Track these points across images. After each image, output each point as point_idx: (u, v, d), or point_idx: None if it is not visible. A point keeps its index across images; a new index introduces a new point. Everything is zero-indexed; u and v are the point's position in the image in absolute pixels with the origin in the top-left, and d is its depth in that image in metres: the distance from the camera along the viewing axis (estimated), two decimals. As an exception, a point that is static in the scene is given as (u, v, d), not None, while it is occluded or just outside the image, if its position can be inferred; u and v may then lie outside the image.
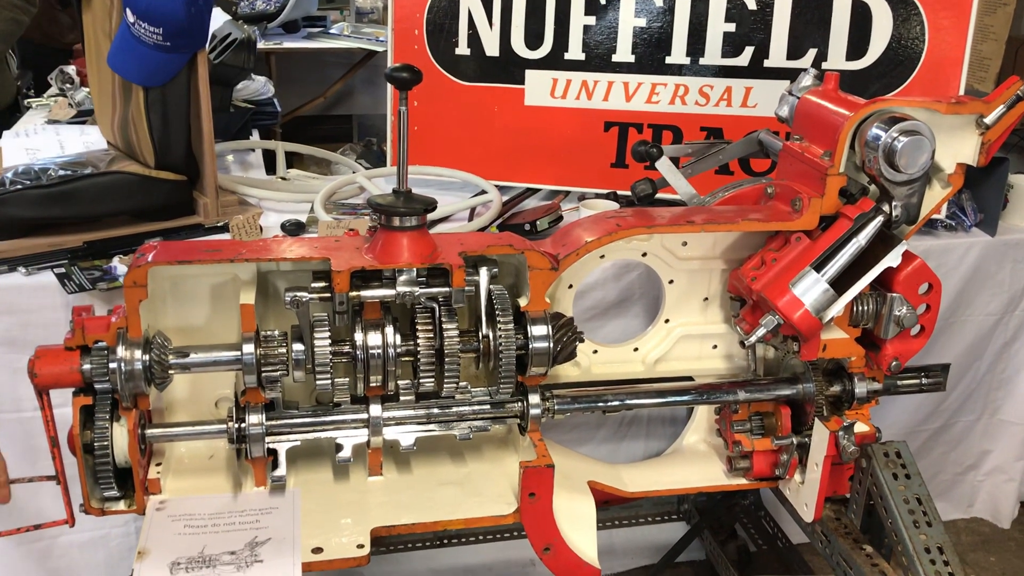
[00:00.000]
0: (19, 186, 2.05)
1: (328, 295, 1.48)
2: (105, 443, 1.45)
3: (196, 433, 1.55)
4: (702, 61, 2.33)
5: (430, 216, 2.29)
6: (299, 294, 1.46)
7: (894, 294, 1.64)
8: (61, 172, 2.09)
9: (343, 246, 1.53)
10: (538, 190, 2.54)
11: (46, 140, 2.43)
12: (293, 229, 2.23)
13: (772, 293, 1.59)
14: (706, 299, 1.82)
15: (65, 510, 1.52)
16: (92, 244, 2.08)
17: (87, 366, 1.44)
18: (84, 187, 2.09)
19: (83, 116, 2.87)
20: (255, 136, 3.17)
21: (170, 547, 1.44)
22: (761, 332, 1.60)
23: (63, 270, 1.96)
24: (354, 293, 1.48)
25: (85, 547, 2.14)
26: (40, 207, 2.05)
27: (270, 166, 2.79)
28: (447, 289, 1.50)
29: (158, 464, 1.59)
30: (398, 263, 1.48)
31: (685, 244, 1.75)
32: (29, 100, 3.36)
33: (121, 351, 1.43)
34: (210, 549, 1.44)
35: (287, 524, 1.51)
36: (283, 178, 2.55)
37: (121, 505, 1.53)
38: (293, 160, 2.83)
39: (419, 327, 1.53)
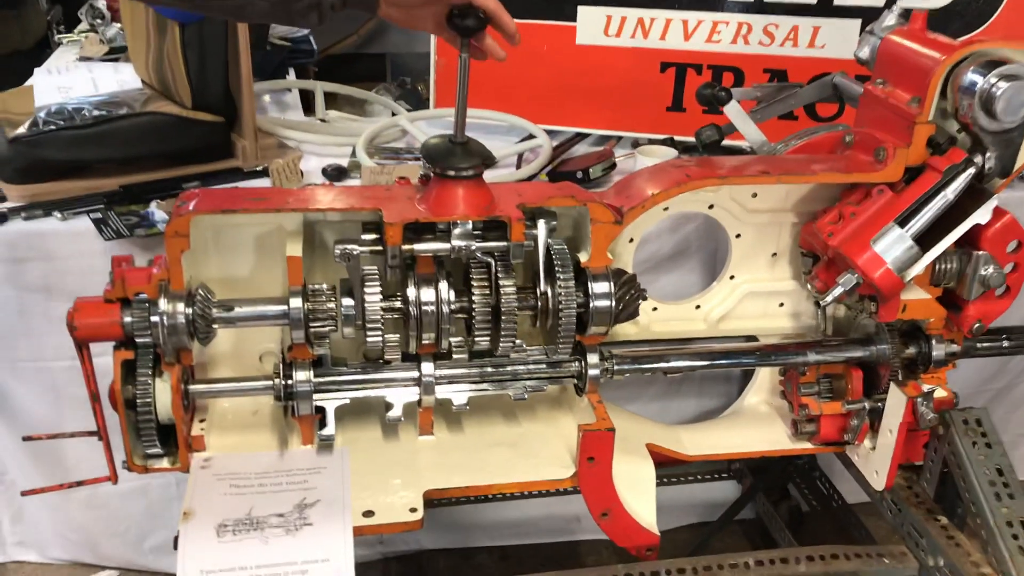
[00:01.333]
0: (52, 127, 1.97)
1: (380, 248, 1.39)
2: (148, 399, 1.39)
3: (242, 389, 1.49)
4: (767, -2, 2.19)
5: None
6: (350, 247, 1.38)
7: (980, 252, 1.53)
8: (96, 112, 2.01)
9: (394, 196, 1.44)
10: (588, 135, 2.42)
11: (79, 78, 2.35)
12: (335, 174, 2.14)
13: (851, 250, 1.49)
14: (775, 254, 1.71)
15: (108, 467, 1.46)
16: (128, 188, 2.01)
17: (128, 319, 1.37)
18: (119, 128, 2.01)
19: (116, 53, 2.78)
20: (291, 76, 3.06)
21: (216, 507, 1.39)
22: (838, 291, 1.50)
23: (99, 215, 1.89)
24: (407, 246, 1.39)
25: (126, 496, 2.11)
26: (74, 149, 1.97)
27: (306, 107, 2.68)
28: (504, 243, 1.41)
29: (201, 420, 1.53)
30: (453, 215, 1.38)
31: (755, 196, 1.64)
32: (60, 36, 3.27)
33: (163, 304, 1.36)
34: (257, 510, 1.39)
35: (336, 485, 1.45)
36: (322, 120, 2.45)
37: (164, 463, 1.47)
38: (328, 101, 2.72)
39: (474, 283, 1.44)
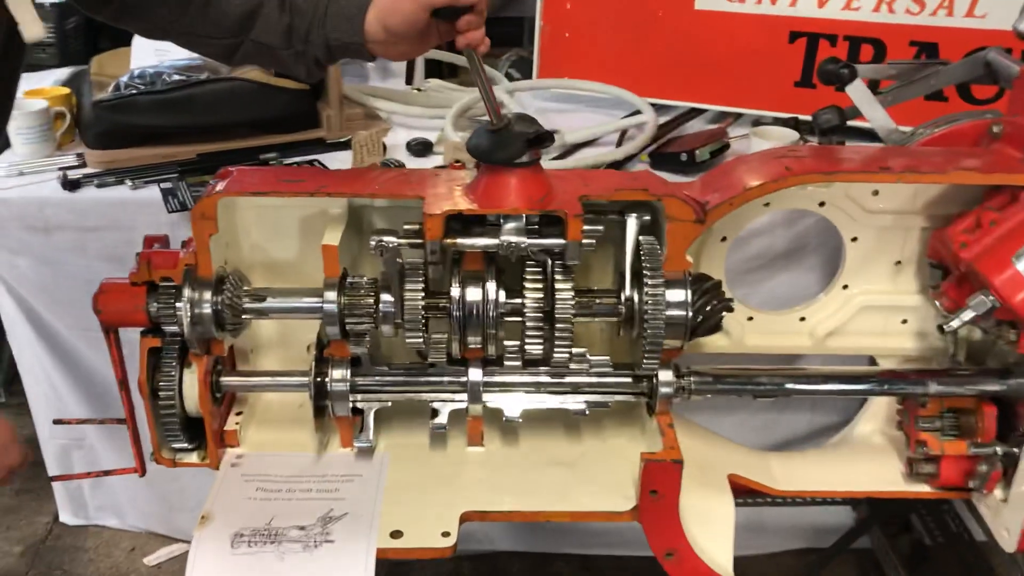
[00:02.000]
0: (133, 91, 1.92)
1: (420, 241, 1.23)
2: (171, 392, 1.29)
3: (276, 385, 1.38)
4: (919, -42, 1.88)
5: (570, 139, 2.03)
6: (386, 239, 1.23)
7: None
8: (176, 77, 1.95)
9: (442, 182, 1.28)
10: (703, 111, 2.18)
11: (176, 41, 2.29)
12: (419, 149, 2.00)
13: (987, 266, 1.22)
14: (898, 263, 1.45)
15: (135, 459, 1.39)
16: (205, 157, 1.93)
17: (153, 307, 1.28)
18: (199, 94, 1.93)
19: (222, 15, 2.73)
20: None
21: (237, 513, 1.29)
22: (967, 316, 1.24)
23: (169, 185, 1.82)
24: (450, 240, 1.23)
25: (196, 473, 2.06)
26: (153, 114, 1.91)
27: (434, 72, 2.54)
28: (561, 241, 1.23)
29: (239, 413, 1.43)
30: (502, 208, 1.21)
31: (876, 194, 1.38)
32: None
33: (187, 292, 1.25)
34: (279, 520, 1.27)
35: (368, 498, 1.32)
36: (419, 89, 2.31)
37: (193, 457, 1.39)
38: (447, 71, 2.58)
39: (527, 284, 1.27)
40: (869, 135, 1.93)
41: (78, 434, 2.07)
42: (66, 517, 2.25)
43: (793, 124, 1.96)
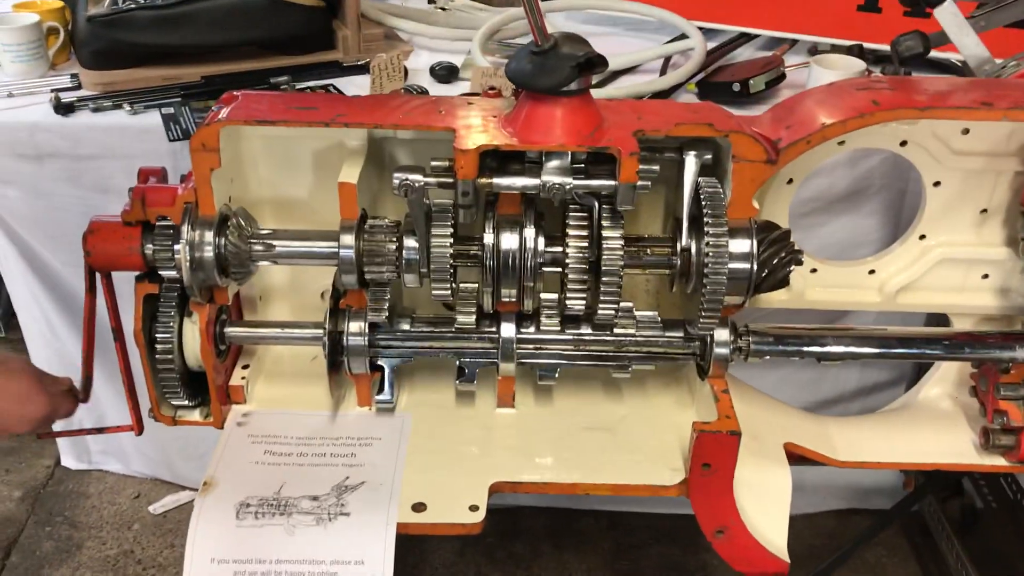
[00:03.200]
0: (131, 5, 1.75)
1: (450, 180, 1.08)
2: (169, 345, 1.16)
3: (285, 337, 1.24)
4: None
5: (612, 66, 1.85)
6: (411, 177, 1.07)
7: None
8: (178, -10, 1.76)
9: (476, 112, 1.11)
10: (755, 36, 1.99)
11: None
12: (443, 74, 1.83)
13: (1100, 219, 1.06)
14: (984, 211, 1.29)
15: (130, 415, 1.26)
16: (210, 80, 1.77)
17: (149, 249, 1.14)
18: (203, 9, 1.76)
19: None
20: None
21: (243, 479, 1.16)
22: (1072, 275, 1.08)
23: (172, 110, 1.66)
24: (484, 180, 1.08)
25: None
26: (153, 32, 1.74)
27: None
28: (612, 182, 1.07)
29: (245, 366, 1.30)
30: (546, 143, 1.05)
31: (966, 132, 1.21)
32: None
33: (187, 233, 1.11)
34: (289, 488, 1.15)
35: (388, 463, 1.19)
36: (443, 8, 2.12)
37: (196, 415, 1.26)
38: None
39: (570, 231, 1.12)
40: (942, 67, 1.76)
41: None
42: (68, 461, 2.16)
43: (857, 52, 1.77)
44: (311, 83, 1.81)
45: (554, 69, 1.01)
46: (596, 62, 1.02)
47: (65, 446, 2.12)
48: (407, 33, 2.00)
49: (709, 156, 1.13)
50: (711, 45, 1.91)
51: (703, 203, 1.10)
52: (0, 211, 1.74)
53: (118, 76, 1.75)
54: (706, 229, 1.09)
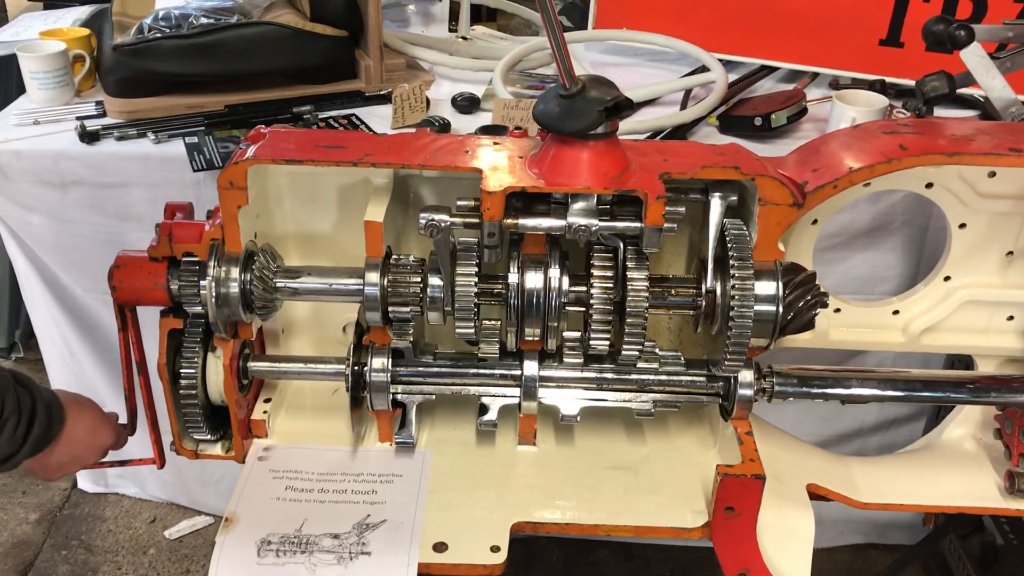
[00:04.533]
0: (157, 35, 1.76)
1: (476, 220, 1.08)
2: (193, 380, 1.16)
3: (308, 373, 1.24)
4: (1033, -102, 1.67)
5: (632, 98, 1.85)
6: (437, 217, 1.07)
7: None
8: (204, 20, 1.78)
9: (502, 153, 1.12)
10: (776, 69, 1.99)
11: (205, -21, 2.12)
12: (465, 105, 1.83)
13: None
14: (1010, 253, 1.28)
15: (152, 448, 1.26)
16: (234, 108, 1.78)
17: (175, 284, 1.14)
18: (228, 39, 1.77)
19: (253, -49, 2.55)
20: (445, -18, 2.74)
21: (264, 516, 1.16)
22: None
23: (195, 140, 1.67)
24: (510, 221, 1.08)
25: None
26: (178, 61, 1.75)
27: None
28: (637, 224, 1.07)
29: (267, 400, 1.30)
30: (573, 185, 1.05)
31: (993, 176, 1.21)
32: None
33: (213, 270, 1.11)
34: (311, 526, 1.15)
35: (409, 502, 1.19)
36: (464, 38, 2.13)
37: (218, 449, 1.26)
38: (485, 14, 2.38)
39: (595, 271, 1.11)
40: (959, 101, 1.76)
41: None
42: (85, 484, 2.16)
43: (879, 87, 1.77)
44: (334, 112, 1.81)
45: (581, 113, 1.02)
46: (623, 106, 1.02)
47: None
48: (429, 63, 2.01)
49: (735, 198, 1.13)
50: (732, 77, 1.91)
51: (729, 245, 1.10)
52: (24, 237, 1.75)
53: (142, 104, 1.76)
54: (732, 272, 1.09)
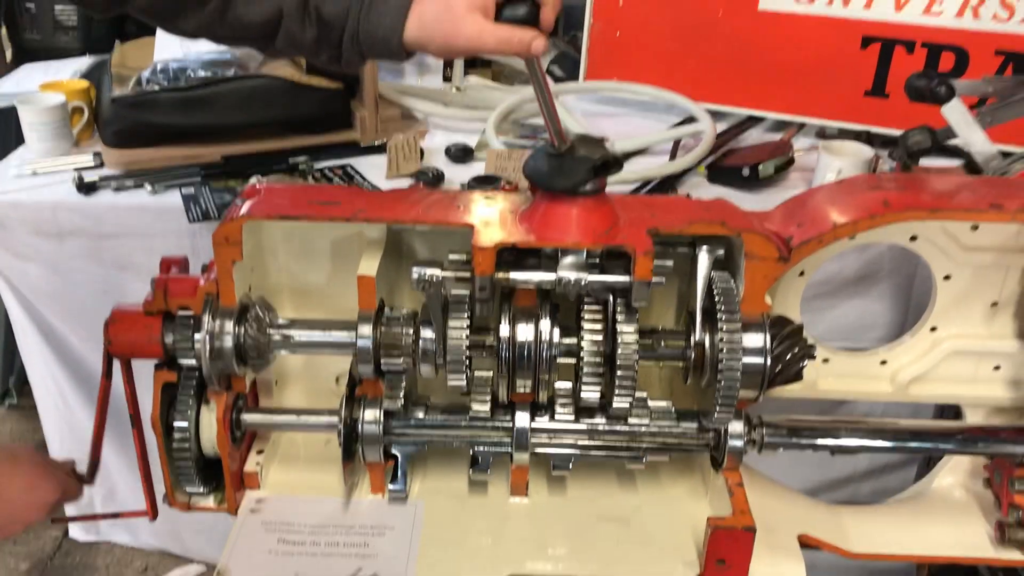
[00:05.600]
0: (155, 88, 1.79)
1: (467, 274, 1.10)
2: (186, 433, 1.17)
3: (301, 425, 1.25)
4: (1011, -42, 1.72)
5: (620, 147, 1.87)
6: (429, 271, 1.09)
7: None
8: (201, 73, 1.82)
9: (494, 208, 1.14)
10: (763, 119, 2.03)
11: (203, 31, 2.15)
12: (459, 155, 1.86)
13: (1112, 320, 1.07)
14: (995, 304, 1.30)
15: (145, 500, 1.27)
16: (230, 159, 1.81)
17: (169, 338, 1.15)
18: (225, 92, 1.81)
19: (251, 3, 2.59)
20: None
21: (256, 570, 1.16)
22: (1084, 375, 1.09)
23: (192, 191, 1.69)
24: (501, 275, 1.09)
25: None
26: (176, 113, 1.79)
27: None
28: (626, 278, 1.09)
29: (260, 452, 1.30)
30: (562, 241, 1.07)
31: (976, 228, 1.23)
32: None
33: (208, 324, 1.13)
34: (302, 580, 1.15)
35: (401, 555, 1.19)
36: (457, 88, 2.17)
37: (210, 501, 1.26)
38: (479, 61, 2.42)
39: (585, 323, 1.13)
40: (943, 150, 1.79)
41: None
42: (76, 533, 2.15)
43: (865, 138, 1.80)
44: (329, 163, 1.84)
45: (571, 171, 1.04)
46: (611, 164, 1.04)
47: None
48: (423, 113, 2.04)
49: (722, 251, 1.15)
50: (720, 127, 1.95)
51: (716, 298, 1.11)
52: (20, 286, 1.77)
53: (140, 155, 1.79)
54: (720, 325, 1.10)
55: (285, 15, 1.13)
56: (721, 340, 1.10)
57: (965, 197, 1.13)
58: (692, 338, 1.16)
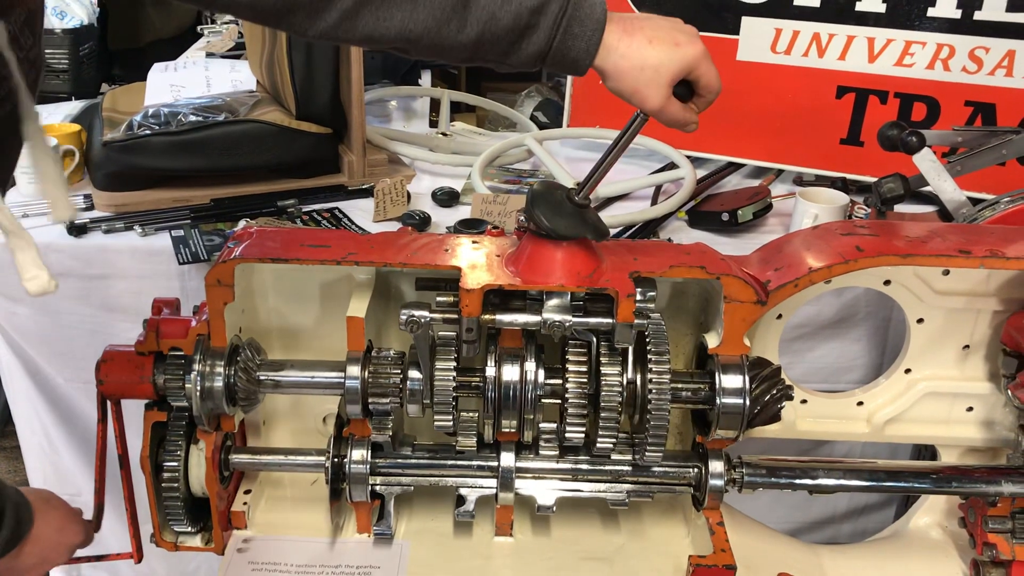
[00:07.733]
0: (146, 132, 1.82)
1: (455, 316, 1.12)
2: (175, 473, 1.18)
3: (289, 465, 1.26)
4: (977, 16, 1.78)
5: (603, 192, 1.92)
6: (417, 313, 1.12)
7: None
8: (192, 118, 1.84)
9: (480, 251, 1.17)
10: (742, 166, 2.08)
11: (193, 76, 2.20)
12: (445, 199, 1.90)
13: (1078, 362, 1.11)
14: (966, 347, 1.34)
15: (131, 542, 1.27)
16: (219, 202, 1.83)
17: (160, 379, 1.17)
18: (215, 136, 1.83)
19: (240, 49, 2.65)
20: (426, 78, 2.85)
21: (243, 609, 1.17)
22: (1054, 415, 1.12)
23: (181, 233, 1.71)
24: (487, 316, 1.12)
25: (197, 534, 1.95)
26: (166, 157, 1.81)
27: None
28: (609, 320, 1.12)
29: (247, 491, 1.31)
30: (547, 284, 1.10)
31: (947, 273, 1.27)
32: (202, 27, 3.19)
33: (198, 365, 1.15)
34: (289, 620, 1.15)
35: (386, 594, 1.20)
36: (444, 134, 2.21)
37: (197, 540, 1.27)
38: (464, 107, 2.48)
39: (570, 365, 1.16)
40: (917, 197, 1.84)
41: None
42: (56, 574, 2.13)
43: (841, 185, 1.85)
44: (317, 206, 1.87)
45: (575, 223, 1.10)
46: (602, 233, 1.11)
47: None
48: (410, 158, 2.08)
49: (653, 292, 1.14)
50: (701, 173, 1.99)
51: (647, 337, 1.13)
52: (7, 327, 1.77)
53: (130, 198, 1.81)
54: (650, 363, 1.12)
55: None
56: (651, 382, 1.12)
57: (936, 243, 1.17)
58: (624, 377, 1.17)
